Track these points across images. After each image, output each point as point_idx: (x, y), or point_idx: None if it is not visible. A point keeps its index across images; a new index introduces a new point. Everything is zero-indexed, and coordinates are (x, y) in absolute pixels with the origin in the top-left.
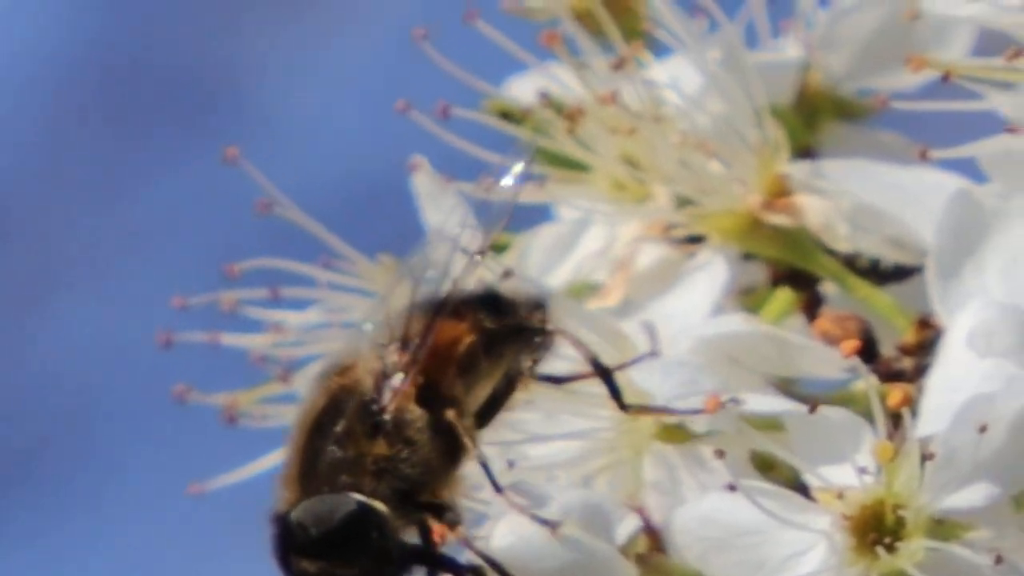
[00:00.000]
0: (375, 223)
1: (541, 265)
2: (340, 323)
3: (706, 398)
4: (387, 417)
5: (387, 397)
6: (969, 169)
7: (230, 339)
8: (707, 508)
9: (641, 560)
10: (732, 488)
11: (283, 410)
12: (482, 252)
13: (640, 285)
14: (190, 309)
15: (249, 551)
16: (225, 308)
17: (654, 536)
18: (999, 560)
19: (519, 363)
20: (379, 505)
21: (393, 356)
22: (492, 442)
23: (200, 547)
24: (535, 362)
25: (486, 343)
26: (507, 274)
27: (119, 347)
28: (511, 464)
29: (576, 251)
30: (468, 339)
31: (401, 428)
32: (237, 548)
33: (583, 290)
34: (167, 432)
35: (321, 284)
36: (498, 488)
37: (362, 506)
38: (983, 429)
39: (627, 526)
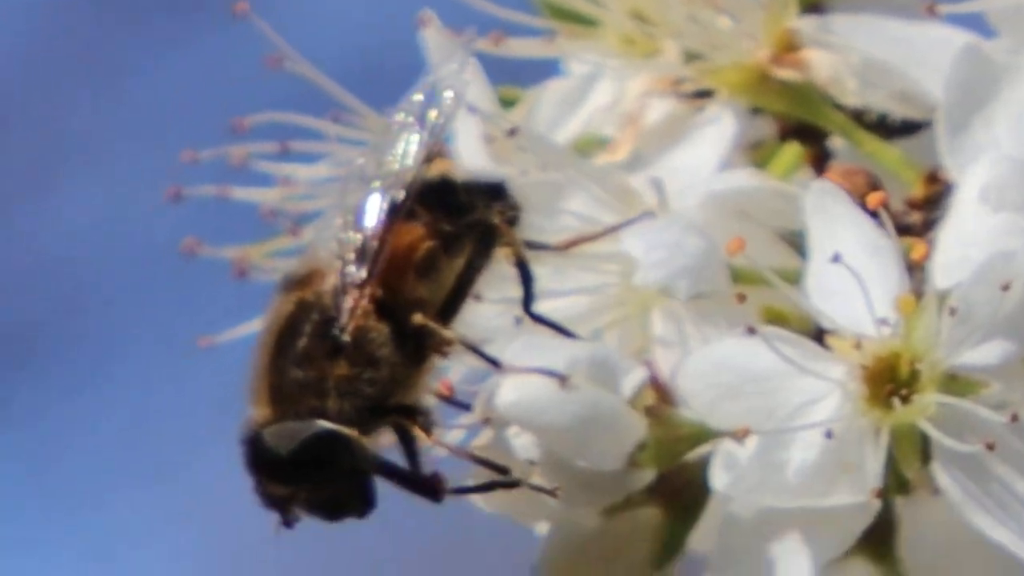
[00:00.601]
0: (385, 78)
1: (550, 119)
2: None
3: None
4: (347, 338)
5: (345, 317)
6: (977, 24)
7: (240, 193)
8: (722, 353)
9: (649, 412)
10: (751, 331)
11: (292, 263)
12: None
13: (648, 139)
14: (200, 163)
15: None
16: (235, 162)
17: (661, 390)
18: (1015, 419)
19: (481, 254)
20: (345, 430)
21: (351, 269)
22: (497, 299)
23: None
24: (513, 241)
25: (445, 244)
26: (513, 132)
27: (124, 226)
28: (517, 321)
29: (585, 105)
30: (426, 244)
31: (363, 346)
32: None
33: (592, 144)
34: (173, 302)
35: (330, 138)
36: (496, 364)
37: (327, 432)
38: (1006, 287)
39: (634, 379)
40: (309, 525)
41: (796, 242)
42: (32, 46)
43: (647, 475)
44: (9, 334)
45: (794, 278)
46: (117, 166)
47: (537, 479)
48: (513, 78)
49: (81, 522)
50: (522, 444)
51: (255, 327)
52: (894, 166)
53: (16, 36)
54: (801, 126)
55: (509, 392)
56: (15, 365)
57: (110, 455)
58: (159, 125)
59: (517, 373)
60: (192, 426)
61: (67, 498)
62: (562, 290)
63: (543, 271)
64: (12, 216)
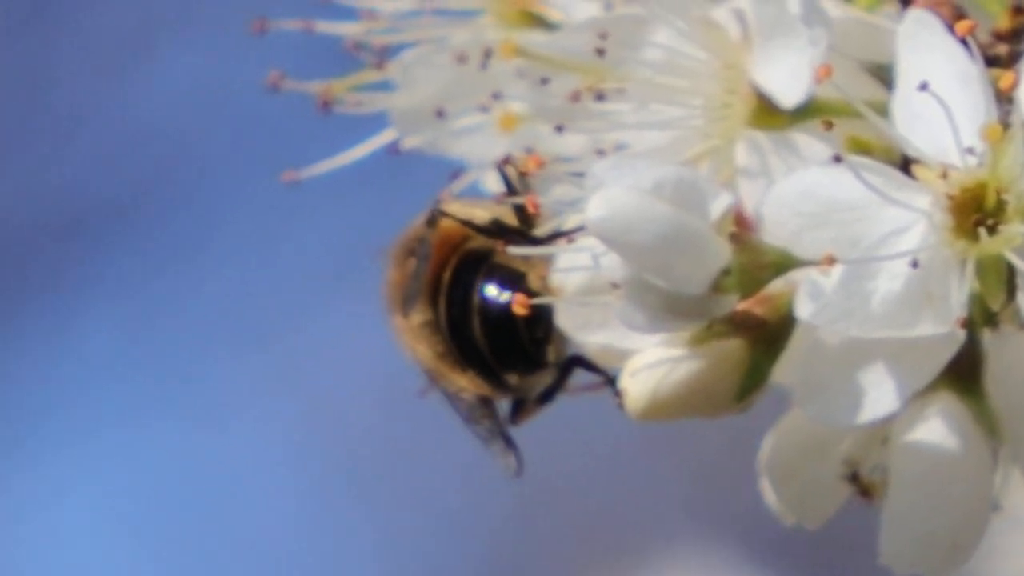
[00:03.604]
0: None
1: None
2: (433, 10)
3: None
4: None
5: None
6: None
7: (324, 27)
8: (808, 181)
9: (734, 238)
10: (837, 159)
11: (377, 97)
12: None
13: None
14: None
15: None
16: None
17: (744, 220)
18: None
19: None
20: None
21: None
22: (581, 129)
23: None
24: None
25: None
26: None
27: (218, 88)
28: (600, 152)
29: None
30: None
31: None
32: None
33: None
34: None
35: None
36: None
37: None
38: None
39: (721, 204)
40: (405, 405)
41: (881, 75)
42: None
43: (731, 300)
44: (107, 203)
45: (880, 110)
46: (213, 24)
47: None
48: None
49: (183, 390)
50: (607, 264)
51: (339, 163)
52: None
53: None
54: None
55: (598, 208)
56: (112, 233)
57: (207, 323)
58: None
59: (605, 190)
60: (290, 293)
61: (168, 366)
62: (647, 123)
63: (626, 107)
64: (106, 85)
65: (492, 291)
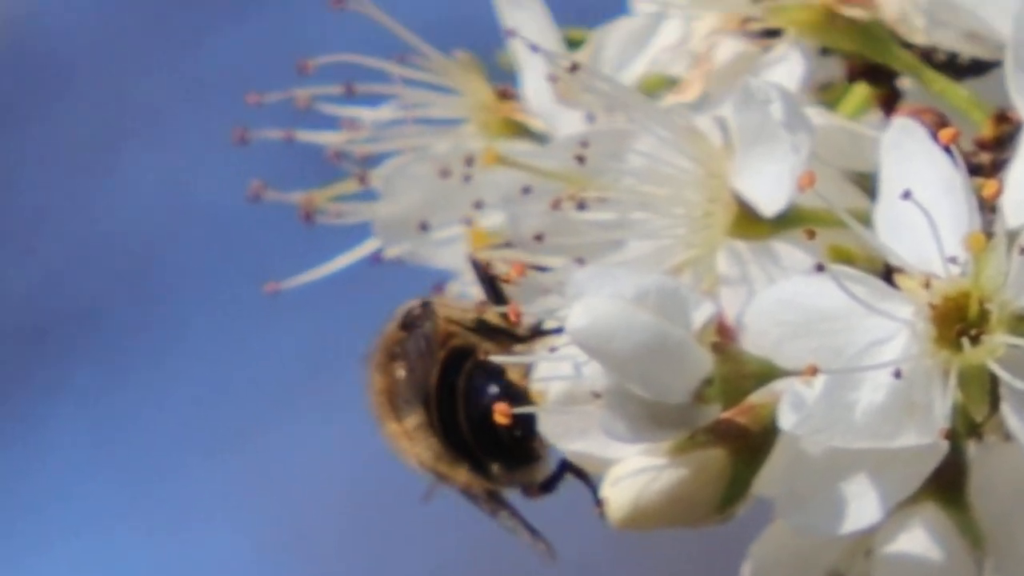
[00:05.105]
0: (451, 20)
1: (616, 59)
2: (415, 119)
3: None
4: None
5: None
6: None
7: (306, 136)
8: (790, 291)
9: (716, 347)
10: (820, 268)
11: (359, 207)
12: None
13: (717, 80)
14: (265, 107)
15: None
16: (300, 105)
17: (727, 330)
18: None
19: None
20: None
21: None
22: (564, 244)
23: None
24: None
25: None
26: (574, 68)
27: (190, 189)
28: (581, 261)
29: (652, 45)
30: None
31: None
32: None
33: (659, 84)
34: (238, 261)
35: (396, 79)
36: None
37: None
38: None
39: (703, 313)
40: (375, 508)
41: (864, 184)
42: (94, 17)
43: (713, 410)
44: (76, 308)
45: (863, 219)
46: (183, 131)
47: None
48: (580, 20)
49: (148, 495)
50: (589, 373)
51: (320, 273)
52: (963, 106)
53: (80, 6)
54: (869, 66)
55: (580, 316)
56: (81, 338)
57: (176, 428)
58: (226, 87)
59: (587, 298)
60: (257, 399)
61: (135, 473)
62: (629, 231)
63: (608, 216)
64: (79, 187)
65: (477, 390)
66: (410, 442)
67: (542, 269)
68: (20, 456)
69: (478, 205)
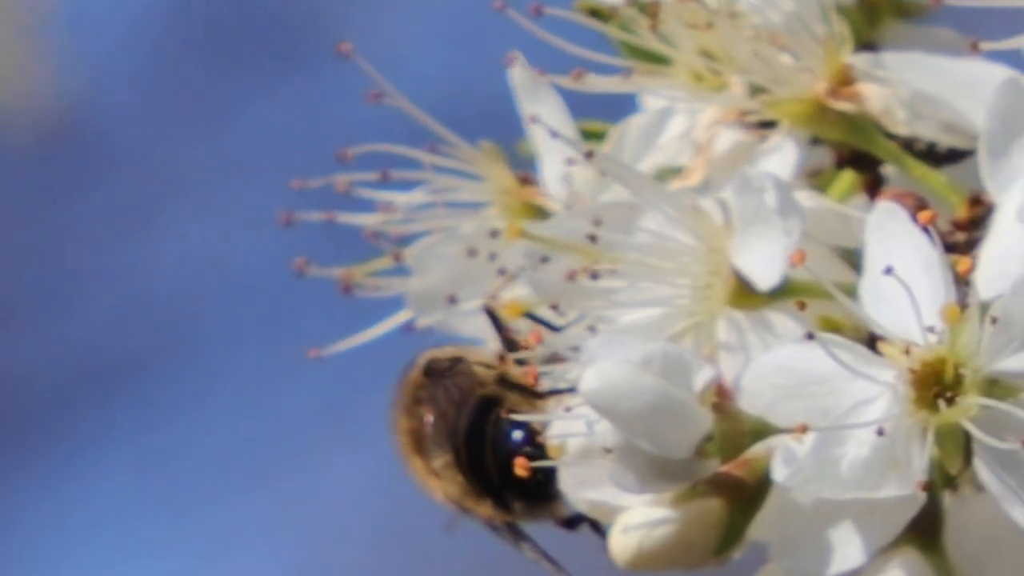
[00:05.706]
0: (476, 111)
1: (633, 154)
2: (444, 202)
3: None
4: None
5: None
6: (1017, 61)
7: (345, 218)
8: (783, 357)
9: (716, 407)
10: (810, 336)
11: (394, 282)
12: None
13: (718, 167)
14: (307, 191)
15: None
16: (340, 190)
17: (725, 392)
18: None
19: None
20: None
21: None
22: (575, 309)
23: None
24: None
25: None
26: (590, 154)
27: (230, 255)
28: (592, 330)
29: (662, 137)
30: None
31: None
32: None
33: (668, 173)
34: (277, 322)
35: (426, 166)
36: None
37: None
38: None
39: (704, 376)
40: (401, 538)
41: (850, 259)
42: (138, 89)
43: (713, 464)
44: (119, 362)
45: (849, 292)
46: (225, 201)
47: (613, 463)
48: (592, 113)
49: (187, 529)
50: (601, 430)
51: (359, 340)
52: (941, 190)
53: (123, 80)
54: (856, 154)
55: (591, 380)
56: (125, 390)
57: (215, 464)
58: (264, 162)
59: (599, 363)
60: (287, 442)
61: (173, 508)
62: (637, 300)
63: (620, 283)
64: (122, 251)
65: (504, 437)
66: (437, 479)
67: (555, 329)
68: (73, 490)
69: (502, 271)
